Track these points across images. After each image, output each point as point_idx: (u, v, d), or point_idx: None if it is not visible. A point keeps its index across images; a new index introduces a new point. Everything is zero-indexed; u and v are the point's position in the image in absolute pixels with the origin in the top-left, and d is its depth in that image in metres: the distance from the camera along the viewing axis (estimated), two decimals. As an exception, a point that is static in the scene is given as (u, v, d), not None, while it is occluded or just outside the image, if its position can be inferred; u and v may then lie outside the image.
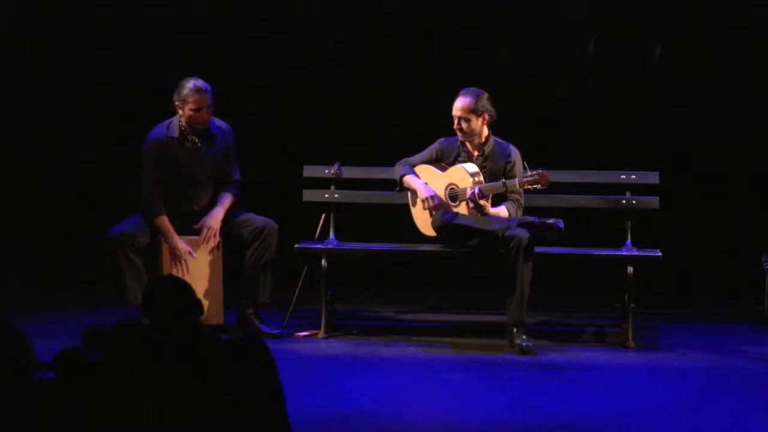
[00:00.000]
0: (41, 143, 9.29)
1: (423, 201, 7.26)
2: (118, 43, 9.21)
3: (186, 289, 4.04)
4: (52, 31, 9.15)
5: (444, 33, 9.11)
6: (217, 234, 7.28)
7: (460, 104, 7.23)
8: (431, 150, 7.44)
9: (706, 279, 8.80)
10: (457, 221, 7.10)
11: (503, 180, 7.13)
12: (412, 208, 7.46)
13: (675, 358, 6.96)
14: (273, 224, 7.34)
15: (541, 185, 6.99)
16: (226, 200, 7.38)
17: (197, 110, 7.19)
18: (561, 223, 6.96)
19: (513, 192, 7.19)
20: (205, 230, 7.27)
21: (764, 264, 7.73)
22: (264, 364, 3.94)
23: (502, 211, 7.17)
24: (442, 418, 5.72)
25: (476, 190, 7.05)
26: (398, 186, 7.43)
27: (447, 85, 7.70)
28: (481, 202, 7.06)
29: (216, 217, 7.30)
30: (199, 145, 7.33)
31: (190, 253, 7.26)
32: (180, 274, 7.12)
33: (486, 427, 5.44)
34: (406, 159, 7.45)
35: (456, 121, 7.24)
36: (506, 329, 7.04)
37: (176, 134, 7.30)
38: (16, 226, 9.23)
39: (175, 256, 7.24)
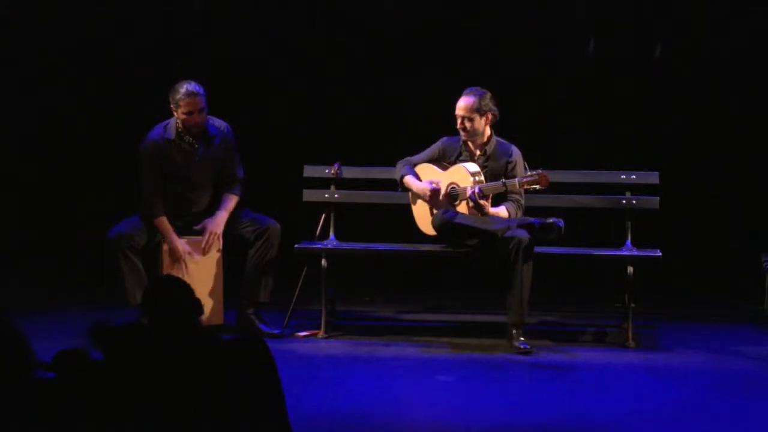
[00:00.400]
0: (41, 143, 9.30)
1: (426, 196, 7.26)
2: (118, 43, 9.21)
3: (186, 289, 4.04)
4: (52, 32, 9.15)
5: (444, 33, 9.10)
6: (220, 239, 7.28)
7: (463, 104, 7.23)
8: (433, 149, 7.44)
9: (706, 279, 8.80)
10: (457, 220, 7.10)
11: (503, 180, 7.13)
12: (412, 206, 7.46)
13: (675, 358, 6.95)
14: (276, 224, 7.35)
15: (541, 185, 7.00)
16: (230, 203, 7.36)
17: (189, 114, 7.19)
18: (561, 223, 6.96)
19: (513, 192, 7.19)
20: (207, 235, 7.27)
21: (764, 264, 7.73)
22: (264, 363, 3.93)
23: (501, 211, 7.18)
24: (441, 418, 5.71)
25: (476, 190, 7.06)
26: (399, 186, 7.43)
27: (447, 85, 7.70)
28: (481, 201, 7.06)
29: (219, 221, 7.30)
30: (196, 146, 7.32)
31: (189, 253, 7.27)
32: (180, 274, 7.12)
33: (486, 427, 5.44)
34: (407, 158, 7.45)
35: (459, 121, 7.24)
36: (506, 329, 7.04)
37: (172, 136, 7.29)
38: (16, 226, 9.23)
39: (175, 257, 7.25)
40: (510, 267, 6.93)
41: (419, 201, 7.38)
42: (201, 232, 7.32)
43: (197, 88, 7.19)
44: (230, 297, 7.34)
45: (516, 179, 7.10)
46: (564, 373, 6.52)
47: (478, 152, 7.32)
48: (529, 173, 7.08)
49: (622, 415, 5.66)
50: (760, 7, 8.81)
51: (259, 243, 7.30)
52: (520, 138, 7.53)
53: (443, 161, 7.39)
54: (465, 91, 7.27)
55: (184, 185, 7.35)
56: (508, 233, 6.94)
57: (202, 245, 7.27)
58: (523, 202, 7.27)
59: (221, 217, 7.32)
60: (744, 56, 8.87)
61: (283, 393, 3.94)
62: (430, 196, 7.25)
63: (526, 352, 6.85)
